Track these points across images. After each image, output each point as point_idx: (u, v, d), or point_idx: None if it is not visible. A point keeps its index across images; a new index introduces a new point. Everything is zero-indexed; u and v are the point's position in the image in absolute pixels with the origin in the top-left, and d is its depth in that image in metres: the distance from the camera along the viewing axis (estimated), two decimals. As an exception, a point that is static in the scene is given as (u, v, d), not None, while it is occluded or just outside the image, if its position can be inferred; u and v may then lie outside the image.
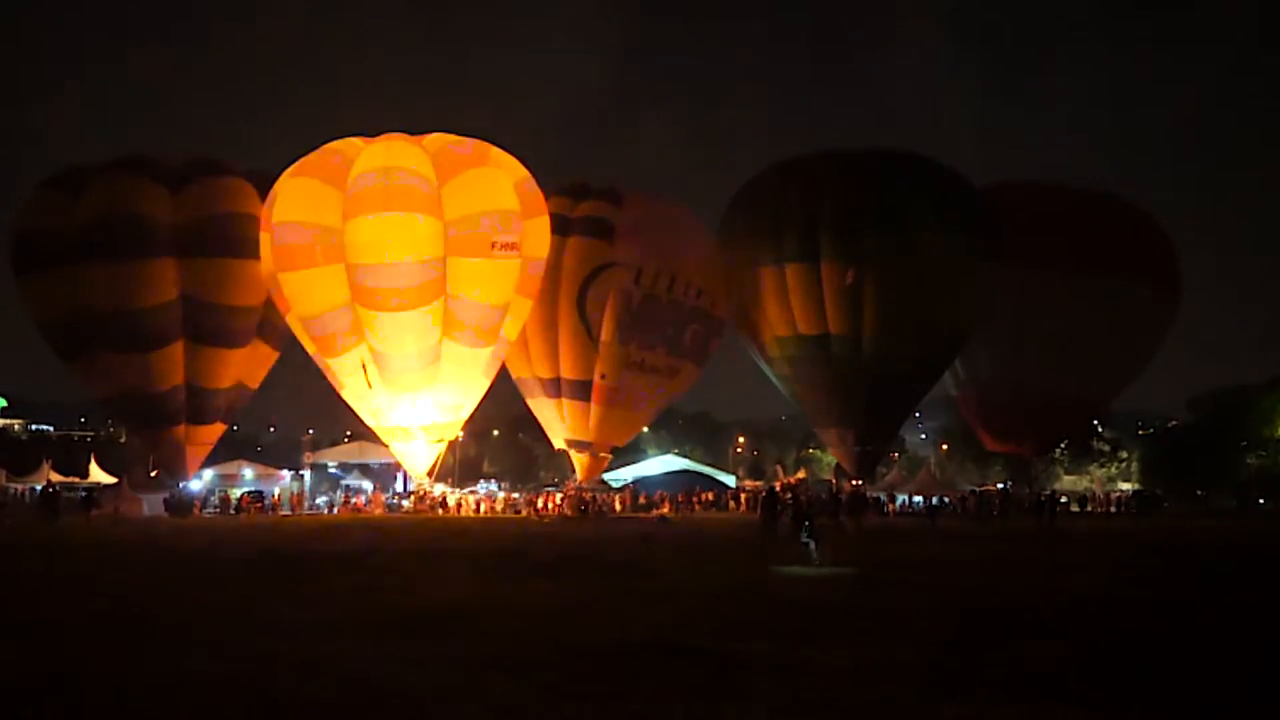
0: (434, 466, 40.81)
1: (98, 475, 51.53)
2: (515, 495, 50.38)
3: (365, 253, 34.38)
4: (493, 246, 35.12)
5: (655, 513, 41.81)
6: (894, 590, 15.08)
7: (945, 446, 73.70)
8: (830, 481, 57.41)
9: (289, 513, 42.59)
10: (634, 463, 55.15)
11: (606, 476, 47.01)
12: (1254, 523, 41.84)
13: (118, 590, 14.72)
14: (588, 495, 42.75)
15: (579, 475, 43.38)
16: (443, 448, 40.13)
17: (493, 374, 38.64)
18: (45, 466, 51.64)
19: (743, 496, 49.57)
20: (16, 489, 50.99)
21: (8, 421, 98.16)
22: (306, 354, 37.71)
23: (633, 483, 49.98)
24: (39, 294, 37.99)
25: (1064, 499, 51.76)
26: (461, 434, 46.81)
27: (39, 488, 46.45)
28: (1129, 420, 75.93)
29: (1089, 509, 51.95)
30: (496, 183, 35.84)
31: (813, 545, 17.82)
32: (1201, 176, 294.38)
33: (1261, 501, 57.21)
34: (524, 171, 36.88)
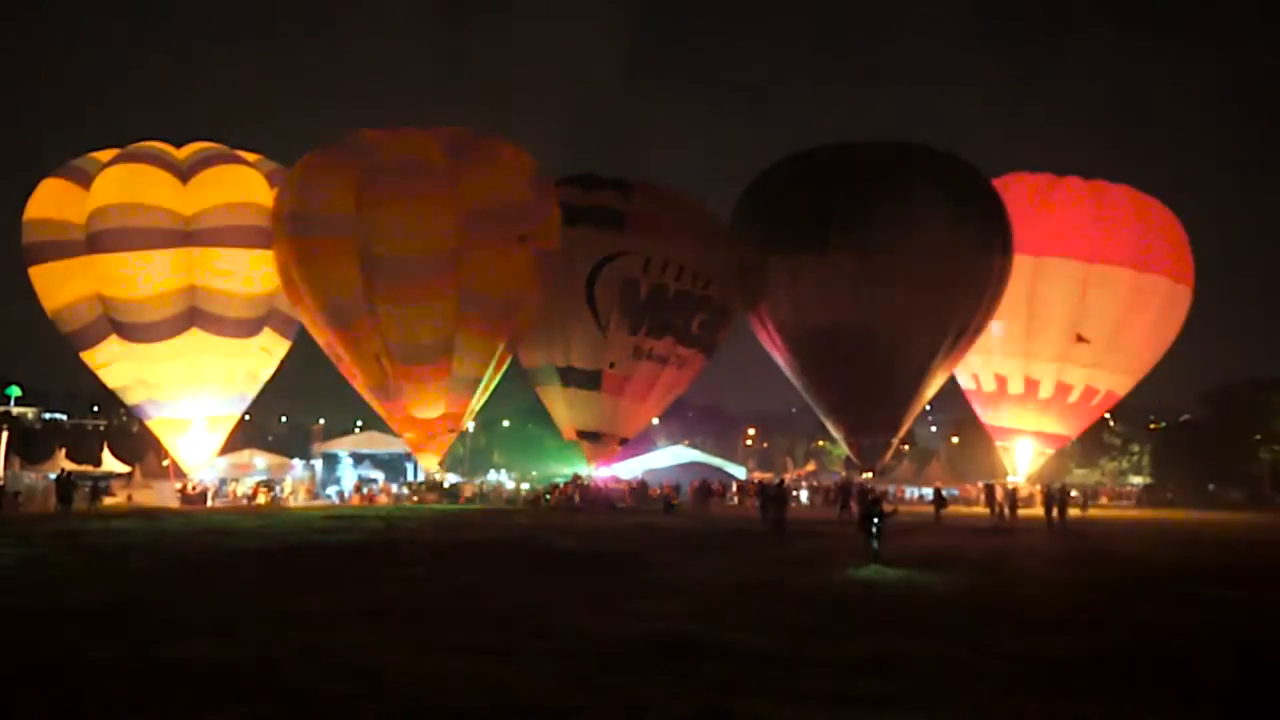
0: (444, 456, 40.90)
1: (110, 464, 51.78)
2: (524, 486, 50.48)
3: (378, 244, 34.31)
4: (506, 238, 35.07)
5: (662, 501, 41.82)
6: (914, 586, 15.06)
7: (955, 439, 73.59)
8: (839, 474, 57.39)
9: (299, 503, 42.77)
10: (644, 454, 55.23)
11: (616, 468, 47.06)
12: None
13: (123, 578, 14.80)
14: (596, 486, 42.82)
15: (588, 466, 43.43)
16: (453, 437, 40.19)
17: (504, 364, 38.65)
18: (58, 455, 51.84)
19: (751, 489, 49.57)
20: (30, 477, 51.24)
21: (21, 410, 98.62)
22: (317, 344, 37.80)
23: (643, 474, 50.05)
24: (51, 284, 38.19)
25: (1074, 492, 51.56)
26: (472, 424, 46.95)
27: (52, 476, 46.71)
28: (1140, 414, 75.48)
29: (1101, 502, 51.71)
30: (509, 175, 35.74)
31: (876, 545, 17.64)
32: (1217, 168, 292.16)
33: None
34: (535, 164, 36.82)
